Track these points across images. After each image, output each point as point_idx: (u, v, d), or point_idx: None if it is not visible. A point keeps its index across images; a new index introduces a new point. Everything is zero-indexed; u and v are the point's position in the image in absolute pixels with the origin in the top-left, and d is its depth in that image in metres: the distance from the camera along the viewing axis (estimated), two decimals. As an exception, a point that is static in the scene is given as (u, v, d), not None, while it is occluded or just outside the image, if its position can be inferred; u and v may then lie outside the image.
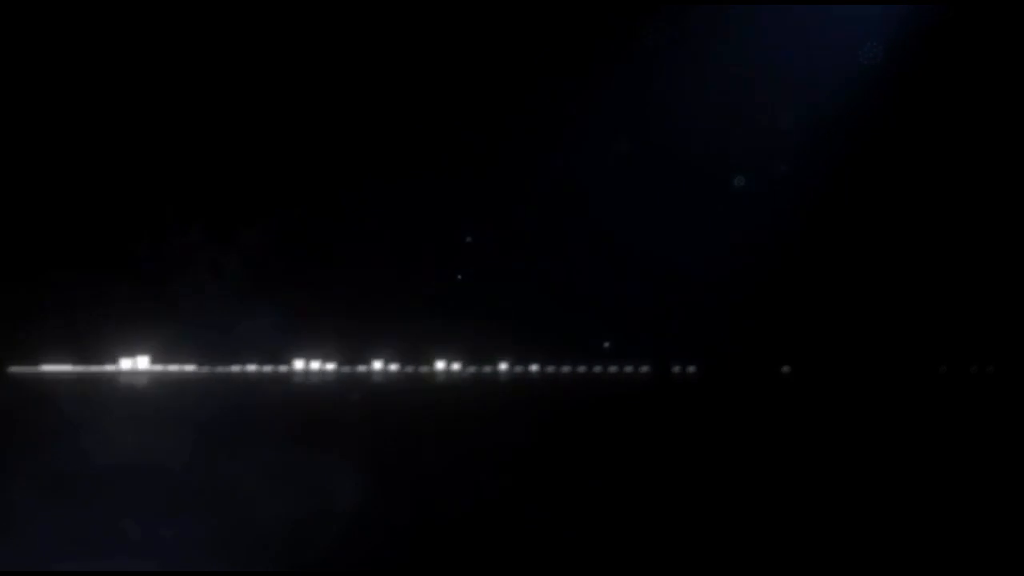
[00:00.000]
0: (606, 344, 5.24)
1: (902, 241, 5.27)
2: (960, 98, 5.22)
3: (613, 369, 5.26)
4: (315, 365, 5.12)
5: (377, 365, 5.16)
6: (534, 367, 5.25)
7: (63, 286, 4.87)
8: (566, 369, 5.25)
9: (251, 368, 5.08)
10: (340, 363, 5.14)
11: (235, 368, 5.06)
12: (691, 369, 5.22)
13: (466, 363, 5.19)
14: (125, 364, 4.98)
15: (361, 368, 5.15)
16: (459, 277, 5.16)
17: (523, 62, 5.02)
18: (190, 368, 5.03)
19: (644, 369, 5.22)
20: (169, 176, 4.97)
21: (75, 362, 4.94)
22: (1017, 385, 5.10)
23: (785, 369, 5.16)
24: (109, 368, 4.97)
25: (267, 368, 5.10)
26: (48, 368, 4.91)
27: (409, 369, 5.18)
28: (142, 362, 4.99)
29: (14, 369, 4.88)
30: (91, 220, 4.94)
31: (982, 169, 5.23)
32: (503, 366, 5.22)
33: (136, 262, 4.97)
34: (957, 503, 4.49)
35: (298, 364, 5.13)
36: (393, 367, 5.17)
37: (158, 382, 5.00)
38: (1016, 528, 4.27)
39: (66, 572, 3.87)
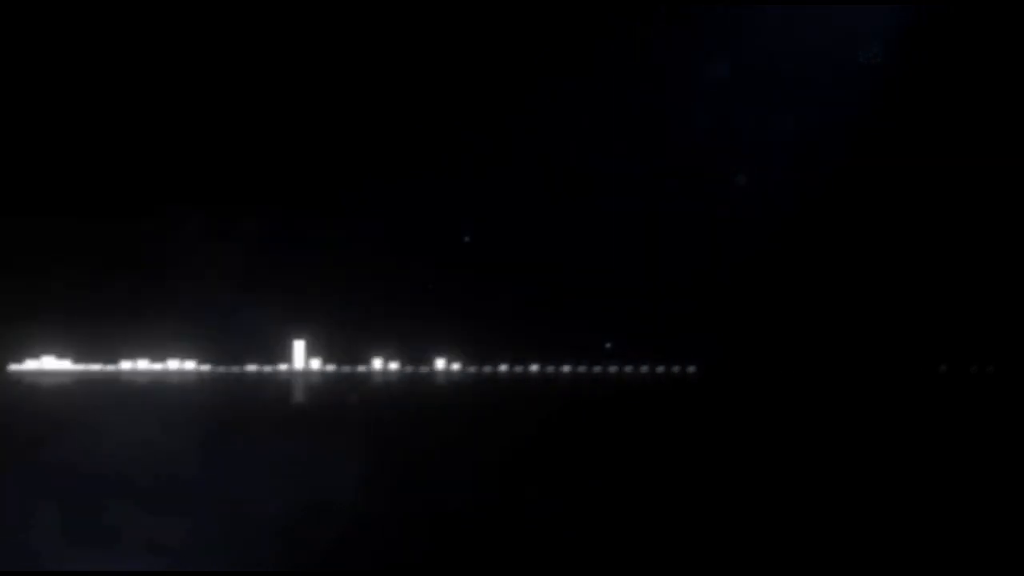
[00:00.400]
0: (608, 345, 5.24)
1: (902, 240, 5.26)
2: (961, 96, 5.22)
3: (613, 369, 5.25)
4: (315, 365, 5.12)
5: (377, 365, 5.16)
6: (534, 367, 5.24)
7: (62, 283, 4.87)
8: (566, 369, 5.25)
9: (251, 368, 5.08)
10: (340, 363, 5.15)
11: (235, 368, 5.06)
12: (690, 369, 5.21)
13: (467, 363, 5.19)
14: (125, 364, 4.98)
15: (361, 368, 5.15)
16: (458, 277, 5.16)
17: (520, 61, 5.02)
18: (190, 367, 5.02)
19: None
20: (169, 172, 4.98)
21: (74, 360, 4.94)
22: (1017, 385, 5.10)
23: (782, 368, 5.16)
24: (110, 368, 4.97)
25: (267, 368, 5.10)
26: (48, 367, 4.91)
27: (409, 369, 5.18)
28: (142, 362, 4.99)
29: (14, 368, 4.89)
30: (90, 216, 4.94)
31: (982, 167, 5.22)
32: (503, 367, 5.21)
33: (136, 259, 4.97)
34: (959, 505, 4.49)
35: (298, 364, 5.13)
36: (393, 367, 5.17)
37: (163, 382, 5.00)
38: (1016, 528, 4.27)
39: (66, 572, 3.87)
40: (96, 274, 4.92)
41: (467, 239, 5.17)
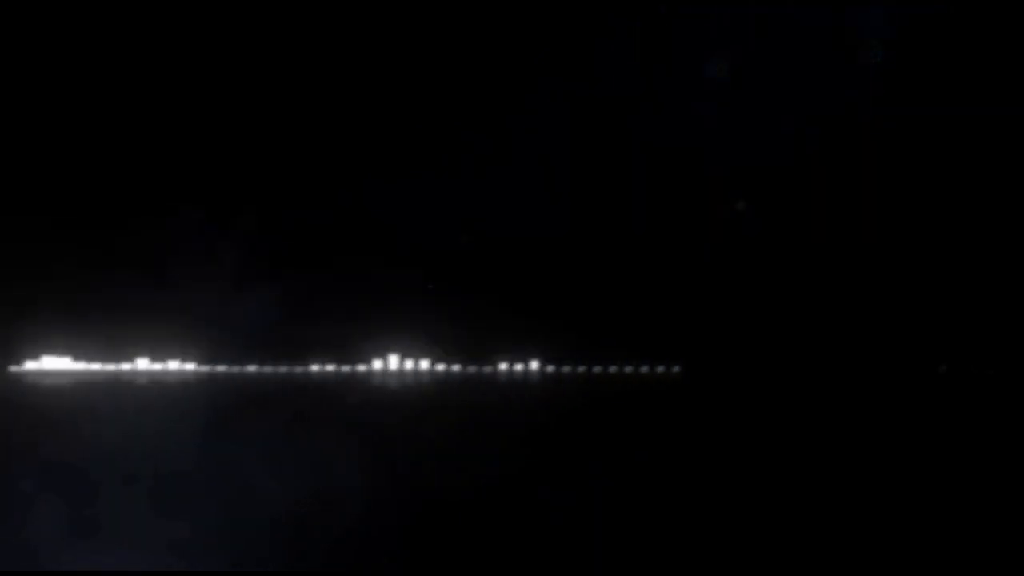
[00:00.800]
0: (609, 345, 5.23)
1: (901, 239, 5.25)
2: (962, 93, 5.21)
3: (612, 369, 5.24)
4: (314, 366, 5.13)
5: (378, 365, 5.17)
6: (533, 366, 5.24)
7: (61, 279, 4.88)
8: (566, 369, 5.25)
9: (252, 368, 5.08)
10: (341, 363, 5.15)
11: (236, 368, 5.06)
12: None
13: (467, 363, 5.19)
14: (126, 363, 4.98)
15: (361, 368, 5.15)
16: (458, 277, 5.15)
17: (520, 60, 5.02)
18: (190, 367, 5.03)
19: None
20: (170, 171, 4.98)
21: (76, 359, 4.94)
22: (1017, 386, 5.09)
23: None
24: (110, 366, 4.98)
25: (269, 369, 5.10)
26: (49, 366, 4.92)
27: (409, 369, 5.18)
28: (142, 361, 4.99)
29: (14, 368, 4.89)
30: (88, 215, 4.94)
31: (984, 172, 5.21)
32: (503, 366, 5.22)
33: (137, 258, 4.98)
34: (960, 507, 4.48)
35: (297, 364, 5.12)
36: (393, 367, 5.17)
37: (168, 383, 5.00)
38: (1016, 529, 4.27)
39: (66, 572, 3.88)
40: (96, 273, 4.93)
41: (466, 239, 5.17)
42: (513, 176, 5.09)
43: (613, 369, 5.25)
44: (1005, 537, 4.41)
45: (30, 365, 4.92)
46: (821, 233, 5.22)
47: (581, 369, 5.24)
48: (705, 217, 5.17)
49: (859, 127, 5.18)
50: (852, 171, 5.19)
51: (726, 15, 5.06)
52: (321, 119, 5.02)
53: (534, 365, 5.24)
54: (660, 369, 5.21)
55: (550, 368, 5.24)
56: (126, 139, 4.97)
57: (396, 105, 5.03)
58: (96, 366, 4.98)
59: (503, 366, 5.21)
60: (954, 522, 4.47)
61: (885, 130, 5.19)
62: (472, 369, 5.19)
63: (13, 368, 4.91)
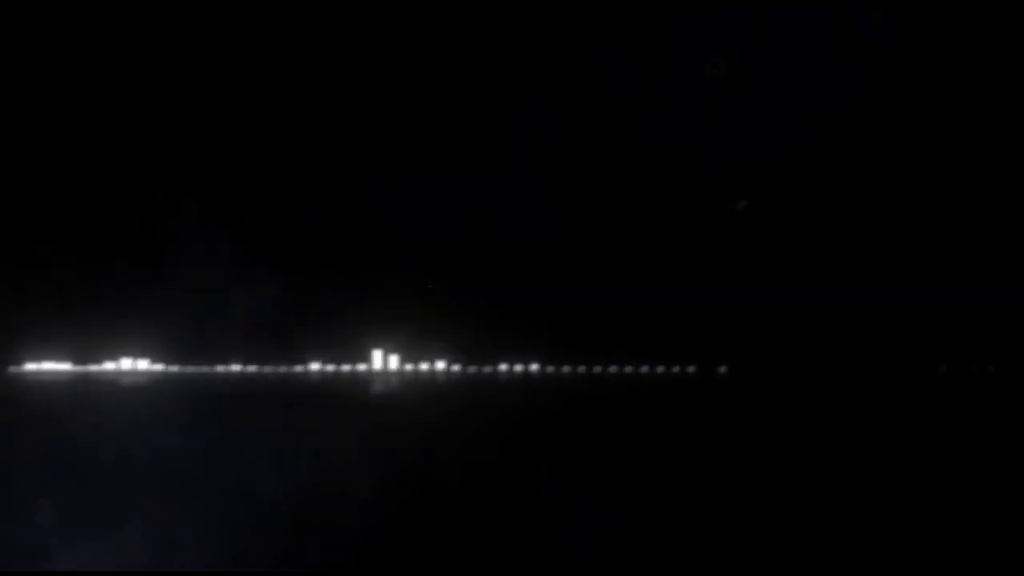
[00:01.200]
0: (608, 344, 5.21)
1: (902, 238, 5.25)
2: (962, 93, 5.21)
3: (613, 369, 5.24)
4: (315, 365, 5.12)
5: (377, 365, 5.16)
6: (534, 367, 5.24)
7: (56, 279, 4.87)
8: (566, 369, 5.24)
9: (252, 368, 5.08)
10: (339, 363, 5.14)
11: (235, 368, 5.05)
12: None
13: (466, 363, 5.19)
14: (125, 364, 4.98)
15: (361, 368, 5.14)
16: (457, 276, 5.15)
17: (520, 60, 5.01)
18: (189, 368, 5.02)
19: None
20: (170, 171, 4.97)
21: (73, 361, 4.93)
22: (1017, 385, 5.09)
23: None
24: (110, 367, 4.97)
25: (267, 368, 5.09)
26: (48, 368, 4.91)
27: (408, 368, 5.17)
28: (142, 363, 4.98)
29: (13, 369, 4.89)
30: (87, 215, 4.94)
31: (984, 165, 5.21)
32: (503, 366, 5.21)
33: (137, 258, 4.97)
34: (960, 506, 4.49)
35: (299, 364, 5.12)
36: (392, 366, 5.16)
37: (163, 383, 5.00)
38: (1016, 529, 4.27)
39: (66, 572, 3.88)
40: (95, 273, 4.92)
41: (465, 239, 5.17)
42: (513, 176, 5.09)
43: (613, 369, 5.24)
44: (1006, 537, 4.42)
45: (29, 366, 4.91)
46: (821, 233, 5.22)
47: (581, 369, 5.23)
48: (705, 217, 5.17)
49: (859, 127, 5.18)
50: (852, 171, 5.19)
51: (726, 15, 5.06)
52: (321, 119, 5.02)
53: (534, 365, 5.24)
54: (660, 369, 5.21)
55: (550, 368, 5.24)
56: (125, 139, 4.96)
57: (396, 105, 5.03)
58: (94, 367, 4.97)
59: (503, 366, 5.21)
60: (956, 522, 4.47)
61: (885, 130, 5.19)
62: (472, 369, 5.19)
63: (13, 368, 4.91)
